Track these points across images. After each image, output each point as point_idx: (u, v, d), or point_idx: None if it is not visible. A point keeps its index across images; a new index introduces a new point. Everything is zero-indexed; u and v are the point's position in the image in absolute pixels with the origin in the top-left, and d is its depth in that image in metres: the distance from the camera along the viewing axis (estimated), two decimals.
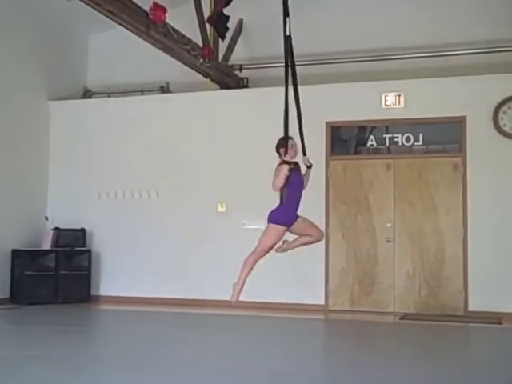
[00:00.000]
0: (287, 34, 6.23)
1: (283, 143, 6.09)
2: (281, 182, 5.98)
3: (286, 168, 6.00)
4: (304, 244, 6.38)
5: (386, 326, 8.51)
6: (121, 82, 10.85)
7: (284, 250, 6.41)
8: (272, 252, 6.23)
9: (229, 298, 6.25)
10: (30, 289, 9.63)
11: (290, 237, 6.29)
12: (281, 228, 6.10)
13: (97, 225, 10.41)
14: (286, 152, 6.07)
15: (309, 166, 6.33)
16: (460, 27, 9.53)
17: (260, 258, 6.21)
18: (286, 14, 6.26)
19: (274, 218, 6.11)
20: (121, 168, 10.41)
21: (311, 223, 6.29)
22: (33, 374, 5.06)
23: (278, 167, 6.05)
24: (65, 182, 10.62)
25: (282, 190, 6.04)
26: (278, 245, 6.24)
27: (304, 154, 6.32)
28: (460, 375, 5.36)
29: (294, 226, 6.16)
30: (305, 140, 6.32)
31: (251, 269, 6.20)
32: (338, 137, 9.72)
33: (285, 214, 6.10)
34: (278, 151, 6.16)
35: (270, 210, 6.14)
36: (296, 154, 6.20)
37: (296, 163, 6.19)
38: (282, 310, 9.09)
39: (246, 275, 6.18)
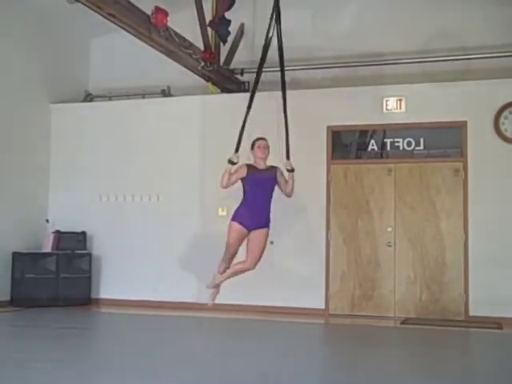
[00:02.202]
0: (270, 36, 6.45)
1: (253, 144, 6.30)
2: (223, 179, 6.04)
3: (229, 168, 6.15)
4: (235, 273, 6.23)
5: (387, 331, 8.50)
6: (122, 86, 10.84)
7: (214, 286, 6.27)
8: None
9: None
10: (30, 291, 9.62)
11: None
12: (236, 225, 6.01)
13: (98, 228, 10.41)
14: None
15: (289, 170, 6.30)
16: (461, 32, 9.51)
17: (229, 258, 6.13)
18: (276, 18, 6.40)
19: (233, 214, 6.10)
20: (122, 171, 10.41)
21: (257, 248, 6.08)
22: (33, 377, 5.05)
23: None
24: (66, 184, 10.62)
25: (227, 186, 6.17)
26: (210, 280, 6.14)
27: (287, 158, 6.30)
28: (461, 381, 5.35)
29: (250, 236, 6.06)
30: (290, 144, 6.30)
31: (224, 274, 6.10)
32: (338, 141, 9.72)
33: (242, 214, 6.06)
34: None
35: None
36: (264, 155, 6.25)
37: (273, 166, 6.24)
38: (282, 314, 9.07)
39: (220, 280, 6.11)
